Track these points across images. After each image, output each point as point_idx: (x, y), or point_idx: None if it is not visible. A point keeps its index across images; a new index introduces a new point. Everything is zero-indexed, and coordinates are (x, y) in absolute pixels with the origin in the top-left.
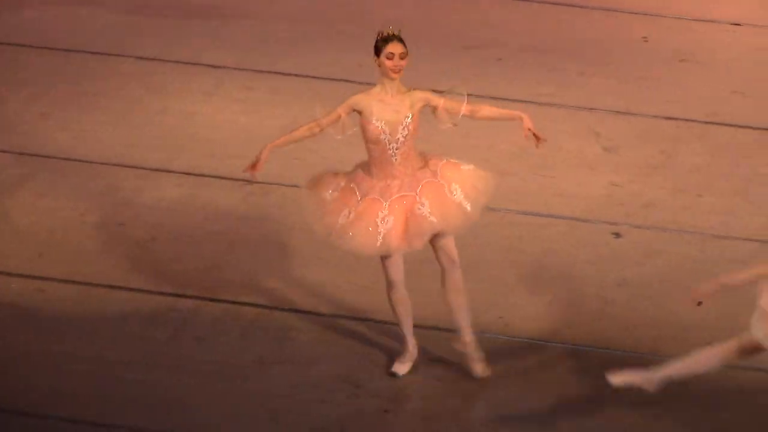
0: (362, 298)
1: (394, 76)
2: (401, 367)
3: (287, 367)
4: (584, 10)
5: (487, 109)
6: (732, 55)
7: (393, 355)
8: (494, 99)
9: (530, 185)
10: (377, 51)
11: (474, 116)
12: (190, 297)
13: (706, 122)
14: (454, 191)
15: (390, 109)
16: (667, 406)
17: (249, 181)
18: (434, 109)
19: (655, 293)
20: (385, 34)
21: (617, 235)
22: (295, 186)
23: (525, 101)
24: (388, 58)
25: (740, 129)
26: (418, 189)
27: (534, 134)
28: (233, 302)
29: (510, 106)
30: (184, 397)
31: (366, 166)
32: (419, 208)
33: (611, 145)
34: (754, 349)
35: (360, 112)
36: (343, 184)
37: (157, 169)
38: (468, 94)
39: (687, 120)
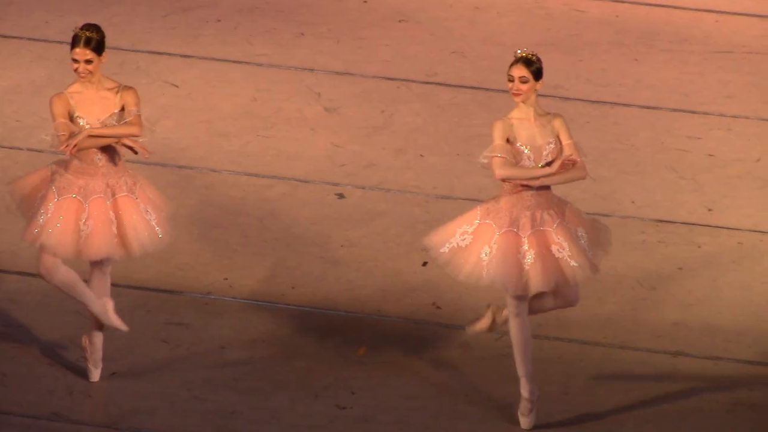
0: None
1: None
2: None
3: (12, 330)
4: None
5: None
6: (451, 16)
7: (113, 331)
8: (213, 60)
9: (252, 147)
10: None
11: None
12: None
13: (426, 82)
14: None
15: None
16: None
17: None
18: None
19: (378, 253)
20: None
21: (340, 195)
22: (17, 148)
23: (243, 62)
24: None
25: (459, 89)
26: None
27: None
28: None
29: (229, 68)
30: None
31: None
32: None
33: (332, 106)
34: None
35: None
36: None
37: None
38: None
39: (406, 80)
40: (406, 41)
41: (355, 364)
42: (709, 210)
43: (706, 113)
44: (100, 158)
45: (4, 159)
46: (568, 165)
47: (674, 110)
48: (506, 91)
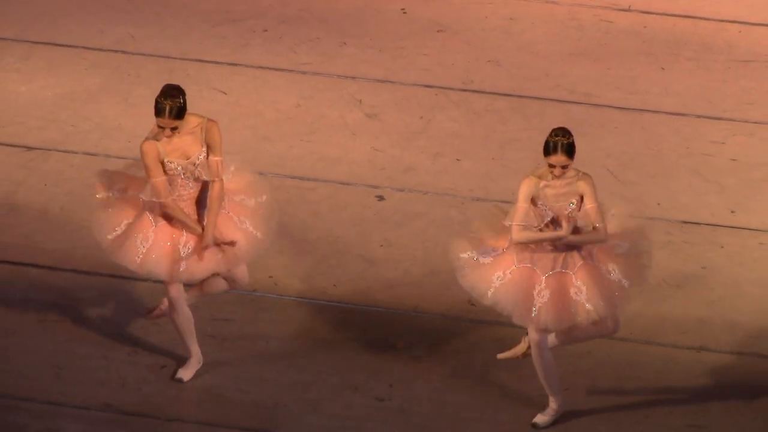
0: None
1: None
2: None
3: (67, 325)
4: None
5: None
6: (487, 26)
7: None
8: (260, 68)
9: (296, 151)
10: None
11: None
12: None
13: (463, 90)
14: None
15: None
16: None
17: (29, 148)
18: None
19: (416, 253)
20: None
21: (380, 197)
22: (72, 152)
23: (288, 70)
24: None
25: (495, 96)
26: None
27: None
28: (14, 263)
29: (275, 76)
30: None
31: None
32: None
33: (373, 112)
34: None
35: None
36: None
37: None
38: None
39: (444, 88)
40: (444, 50)
41: (393, 359)
42: (732, 212)
43: (729, 119)
44: (190, 187)
45: (59, 162)
46: (573, 221)
47: (699, 116)
48: (539, 98)
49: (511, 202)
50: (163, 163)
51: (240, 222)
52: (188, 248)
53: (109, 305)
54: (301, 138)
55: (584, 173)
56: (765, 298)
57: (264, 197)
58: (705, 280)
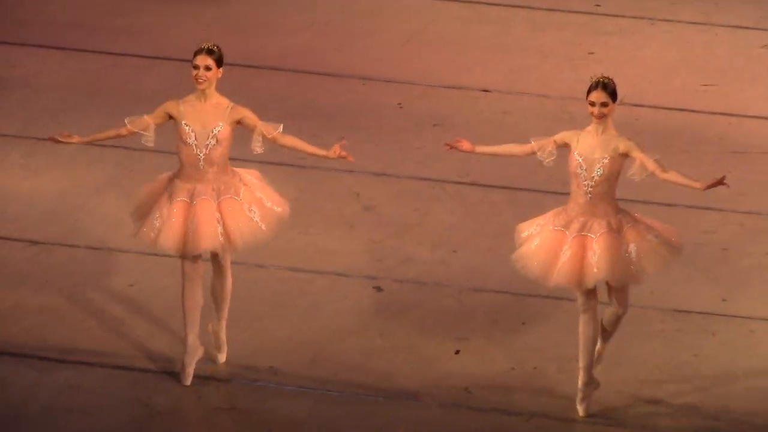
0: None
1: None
2: None
3: (74, 416)
4: (341, 79)
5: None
6: (482, 119)
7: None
8: (261, 162)
9: (295, 243)
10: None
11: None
12: None
13: (458, 182)
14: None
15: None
16: None
17: (34, 242)
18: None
19: (414, 342)
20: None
21: (378, 288)
22: (76, 246)
23: (287, 164)
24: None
25: (490, 188)
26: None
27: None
28: (20, 355)
29: (274, 170)
30: None
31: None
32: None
33: (370, 205)
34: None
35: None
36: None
37: None
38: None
39: (440, 180)
40: (440, 144)
41: None
42: (724, 300)
43: (720, 209)
44: (203, 165)
45: (64, 256)
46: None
47: (690, 207)
48: (533, 190)
49: (508, 292)
50: (179, 126)
51: (249, 210)
52: (194, 222)
53: (114, 396)
54: (300, 230)
55: (627, 137)
56: (756, 385)
57: (281, 209)
58: (697, 367)
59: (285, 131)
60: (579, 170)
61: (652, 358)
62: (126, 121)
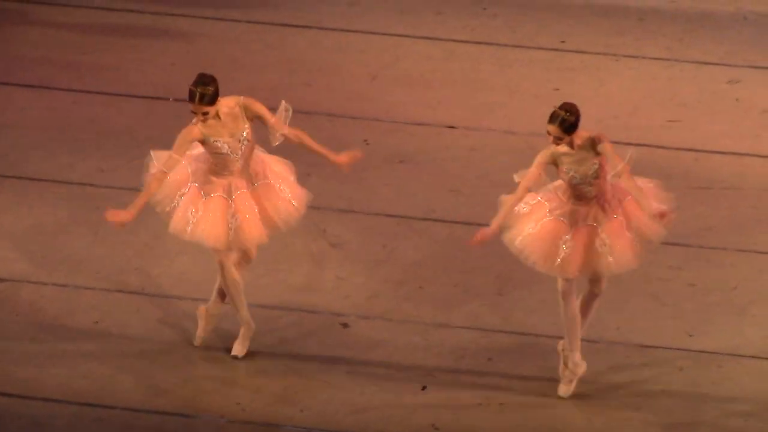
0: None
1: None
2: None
3: None
4: (308, 116)
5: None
6: (448, 156)
7: None
8: None
9: (263, 280)
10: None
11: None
12: None
13: (425, 219)
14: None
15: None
16: None
17: (1, 279)
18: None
19: (381, 378)
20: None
21: (345, 325)
22: (42, 283)
23: None
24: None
25: (456, 224)
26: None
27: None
28: None
29: None
30: None
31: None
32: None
33: (337, 242)
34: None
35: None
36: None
37: None
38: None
39: (406, 217)
40: (406, 180)
41: None
42: (690, 335)
43: (687, 245)
44: (239, 163)
45: (31, 293)
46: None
47: None
48: None
49: (474, 328)
50: (209, 144)
51: (281, 190)
52: (236, 219)
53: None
54: (267, 267)
55: (596, 135)
56: (723, 420)
57: (293, 178)
58: (664, 402)
59: None
60: (574, 180)
61: (618, 394)
62: (162, 168)
